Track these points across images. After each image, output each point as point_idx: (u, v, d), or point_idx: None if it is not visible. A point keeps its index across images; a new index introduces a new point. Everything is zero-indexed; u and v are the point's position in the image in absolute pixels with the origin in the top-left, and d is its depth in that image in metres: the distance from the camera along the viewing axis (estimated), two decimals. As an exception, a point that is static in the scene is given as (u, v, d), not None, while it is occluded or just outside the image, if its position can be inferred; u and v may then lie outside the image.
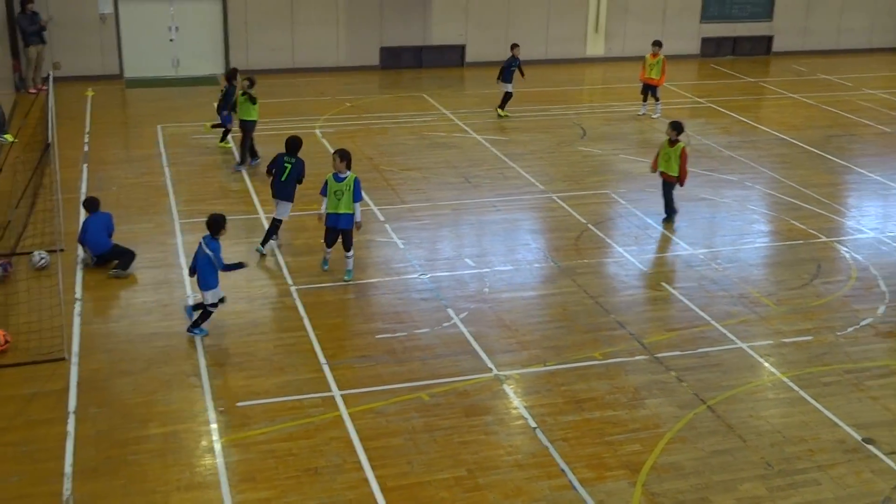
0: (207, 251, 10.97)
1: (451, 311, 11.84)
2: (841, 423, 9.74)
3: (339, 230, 12.52)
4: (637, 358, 10.94)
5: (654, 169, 15.12)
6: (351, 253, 12.67)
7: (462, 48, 25.40)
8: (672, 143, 14.83)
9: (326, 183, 12.41)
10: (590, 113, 20.69)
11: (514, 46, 20.55)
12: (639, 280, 13.01)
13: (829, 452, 9.28)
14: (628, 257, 13.70)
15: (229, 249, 12.16)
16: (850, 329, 11.74)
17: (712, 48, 27.10)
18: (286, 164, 13.35)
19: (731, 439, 9.45)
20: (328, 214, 12.46)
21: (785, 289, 12.83)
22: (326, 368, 10.54)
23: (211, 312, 11.16)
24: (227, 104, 17.49)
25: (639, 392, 10.24)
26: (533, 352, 11.02)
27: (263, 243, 13.50)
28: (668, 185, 15.02)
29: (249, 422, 9.54)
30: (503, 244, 14.08)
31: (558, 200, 15.71)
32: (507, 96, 20.38)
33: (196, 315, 11.26)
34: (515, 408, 9.93)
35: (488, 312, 11.94)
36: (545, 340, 11.30)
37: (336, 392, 10.08)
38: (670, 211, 15.06)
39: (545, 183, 16.53)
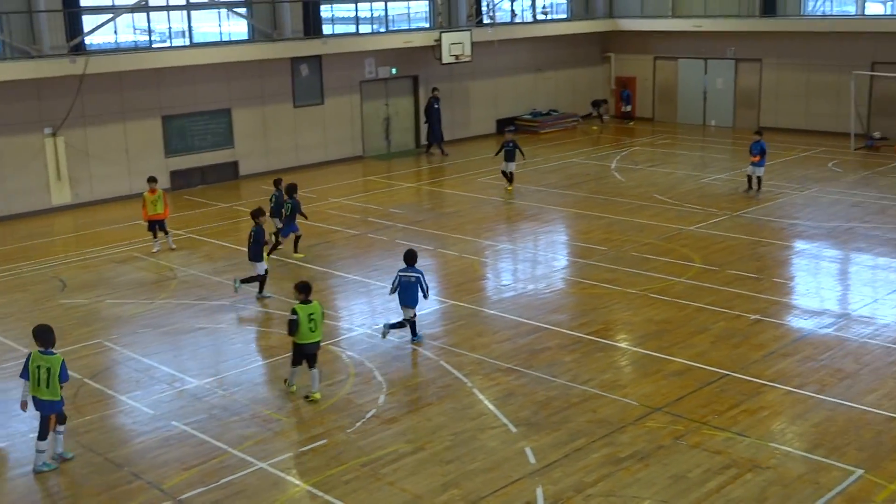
0: (415, 276, 14.67)
1: (-62, 511, 10.42)
2: (367, 516, 10.11)
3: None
4: (160, 506, 10.47)
5: None
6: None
7: None
8: None
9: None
10: (66, 263, 19.77)
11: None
12: (148, 424, 12.51)
13: (362, 548, 9.57)
14: (133, 403, 13.15)
15: None
16: (358, 424, 12.31)
17: (183, 180, 27.43)
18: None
19: (269, 563, 9.36)
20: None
21: (293, 399, 13.14)
22: None
23: (415, 324, 15.03)
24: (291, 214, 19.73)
25: (168, 541, 9.77)
26: (44, 530, 10.06)
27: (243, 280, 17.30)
28: None
29: None
30: (-9, 420, 12.79)
31: (47, 360, 14.65)
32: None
33: (396, 329, 14.98)
34: None
35: (-16, 501, 10.71)
36: (56, 514, 10.38)
37: None
38: None
39: (30, 345, 15.35)
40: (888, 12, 33.52)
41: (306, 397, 13.01)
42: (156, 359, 14.67)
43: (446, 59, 31.93)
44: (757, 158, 24.47)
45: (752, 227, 21.34)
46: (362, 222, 22.92)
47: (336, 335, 15.51)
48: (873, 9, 33.65)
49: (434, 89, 32.51)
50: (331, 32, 30.95)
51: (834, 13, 34.02)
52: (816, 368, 13.64)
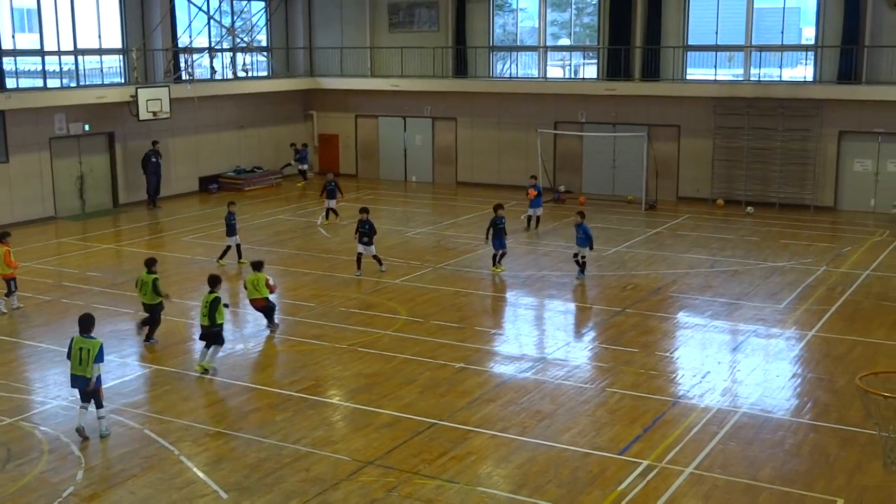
0: (583, 233, 21.47)
1: None
2: None
3: None
4: None
5: None
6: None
7: None
8: None
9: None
10: None
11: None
12: None
13: None
14: None
15: None
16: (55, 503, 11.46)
17: None
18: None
19: None
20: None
21: (-22, 484, 12.02)
22: None
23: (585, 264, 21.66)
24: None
25: None
26: None
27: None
28: None
29: None
30: None
31: None
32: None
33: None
34: None
35: None
36: None
37: None
38: None
39: None
40: (566, 76, 36.35)
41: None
42: None
43: (143, 115, 30.93)
44: (534, 193, 27.54)
45: (454, 278, 22.19)
46: (56, 287, 21.53)
47: (27, 409, 14.40)
48: (554, 72, 36.37)
49: (154, 143, 31.87)
50: (15, 86, 29.08)
51: (519, 76, 36.42)
52: (518, 412, 14.31)
